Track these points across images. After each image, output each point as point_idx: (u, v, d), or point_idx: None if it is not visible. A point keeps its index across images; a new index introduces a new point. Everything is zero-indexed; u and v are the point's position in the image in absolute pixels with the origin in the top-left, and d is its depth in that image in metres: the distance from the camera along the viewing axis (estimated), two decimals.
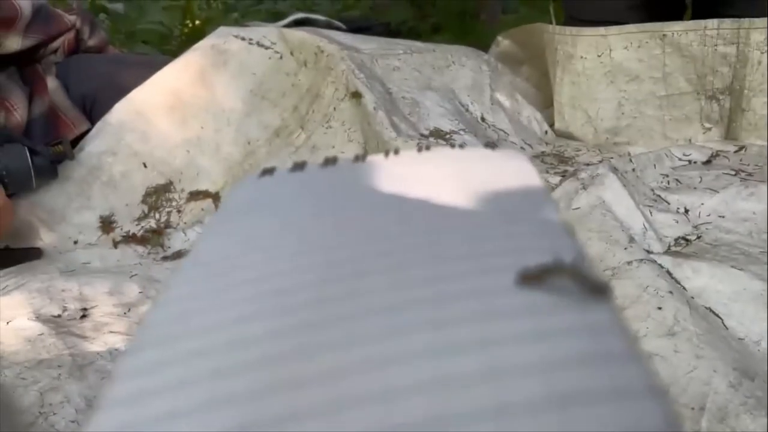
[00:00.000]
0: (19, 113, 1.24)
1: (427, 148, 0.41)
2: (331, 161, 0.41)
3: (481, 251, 0.28)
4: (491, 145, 0.41)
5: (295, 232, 0.32)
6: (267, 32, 1.35)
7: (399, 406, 0.20)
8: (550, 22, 1.36)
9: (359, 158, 0.40)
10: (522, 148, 1.28)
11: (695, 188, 1.05)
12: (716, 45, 1.20)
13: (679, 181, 1.08)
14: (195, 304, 0.27)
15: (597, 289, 0.24)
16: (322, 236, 0.32)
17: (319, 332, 0.24)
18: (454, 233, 0.30)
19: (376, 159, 0.40)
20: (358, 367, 0.22)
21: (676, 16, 1.44)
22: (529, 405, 0.19)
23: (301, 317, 0.25)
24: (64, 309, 0.96)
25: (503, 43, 1.58)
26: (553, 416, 0.19)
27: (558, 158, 1.23)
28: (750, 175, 1.10)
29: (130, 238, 1.14)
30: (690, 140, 1.26)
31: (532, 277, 0.25)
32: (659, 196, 1.04)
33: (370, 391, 0.21)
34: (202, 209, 1.19)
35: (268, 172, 0.41)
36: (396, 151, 0.41)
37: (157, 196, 1.20)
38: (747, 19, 1.19)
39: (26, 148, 1.09)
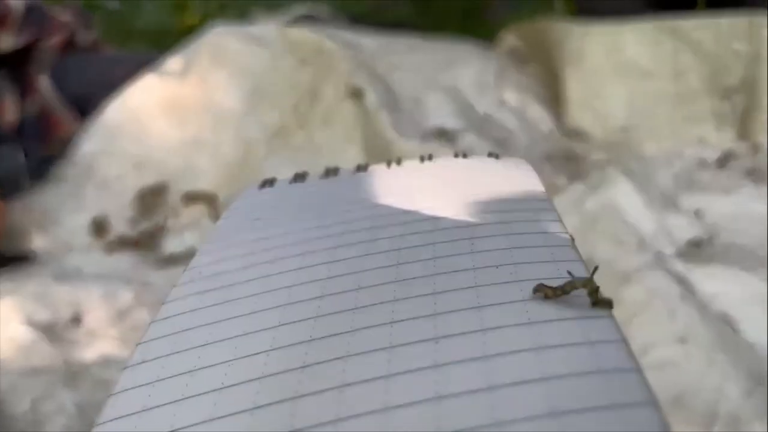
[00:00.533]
0: (10, 113, 1.23)
1: (430, 157, 0.41)
2: (332, 172, 0.40)
3: (482, 263, 0.28)
4: (494, 154, 0.41)
5: (295, 246, 0.33)
6: (266, 30, 1.35)
7: (399, 421, 0.20)
8: (557, 18, 1.35)
9: (361, 168, 0.40)
10: (528, 146, 1.27)
11: (707, 190, 1.05)
12: (729, 41, 1.20)
13: (691, 183, 1.07)
14: (195, 320, 0.28)
15: (599, 303, 0.24)
16: (323, 250, 0.32)
17: (320, 348, 0.24)
18: (456, 245, 0.30)
19: (378, 169, 0.40)
20: (358, 382, 0.22)
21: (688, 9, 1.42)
22: (529, 419, 0.19)
23: (301, 332, 0.25)
24: (57, 315, 0.95)
25: (509, 39, 1.56)
26: (552, 427, 0.19)
27: (566, 158, 1.22)
28: (764, 175, 1.09)
29: (124, 242, 1.13)
30: (702, 139, 1.25)
31: (549, 292, 0.24)
32: (670, 197, 1.03)
33: (370, 406, 0.21)
34: (199, 211, 1.18)
35: (269, 183, 0.41)
36: (398, 161, 0.41)
37: (152, 197, 1.19)
38: (760, 14, 1.18)
39: (18, 149, 1.08)
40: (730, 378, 0.77)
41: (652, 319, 0.85)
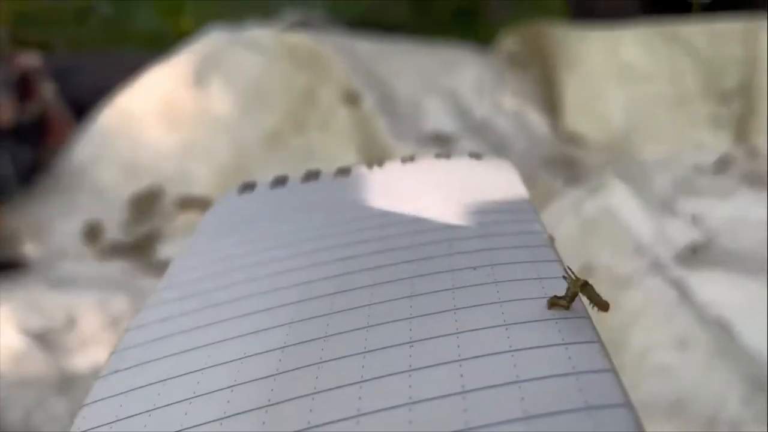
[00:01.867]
0: (8, 115, 1.23)
1: (411, 159, 0.40)
2: (312, 175, 0.40)
3: (459, 265, 0.28)
4: (476, 155, 0.40)
5: (273, 252, 0.32)
6: (262, 35, 1.34)
7: (371, 427, 0.20)
8: (555, 20, 1.35)
9: (342, 171, 0.39)
10: (525, 150, 1.26)
11: (705, 194, 1.04)
12: (726, 45, 1.19)
13: (689, 187, 1.07)
14: (169, 328, 0.27)
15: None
16: (301, 255, 0.31)
17: (293, 355, 0.24)
18: (434, 247, 0.30)
19: (359, 172, 0.39)
20: (331, 389, 0.22)
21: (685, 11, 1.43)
22: (502, 423, 0.19)
23: (275, 339, 0.25)
24: (51, 322, 0.94)
25: (508, 42, 1.56)
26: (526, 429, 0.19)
27: (563, 162, 1.21)
28: (761, 179, 1.08)
29: (118, 248, 1.12)
30: (699, 143, 1.24)
31: (560, 304, 0.24)
32: (668, 202, 1.03)
33: (342, 413, 0.21)
34: (194, 216, 1.17)
35: (249, 187, 0.40)
36: (380, 163, 0.40)
37: (146, 203, 1.19)
38: (757, 19, 1.18)
39: (6, 154, 1.08)
40: (730, 383, 0.76)
41: (650, 324, 0.84)
